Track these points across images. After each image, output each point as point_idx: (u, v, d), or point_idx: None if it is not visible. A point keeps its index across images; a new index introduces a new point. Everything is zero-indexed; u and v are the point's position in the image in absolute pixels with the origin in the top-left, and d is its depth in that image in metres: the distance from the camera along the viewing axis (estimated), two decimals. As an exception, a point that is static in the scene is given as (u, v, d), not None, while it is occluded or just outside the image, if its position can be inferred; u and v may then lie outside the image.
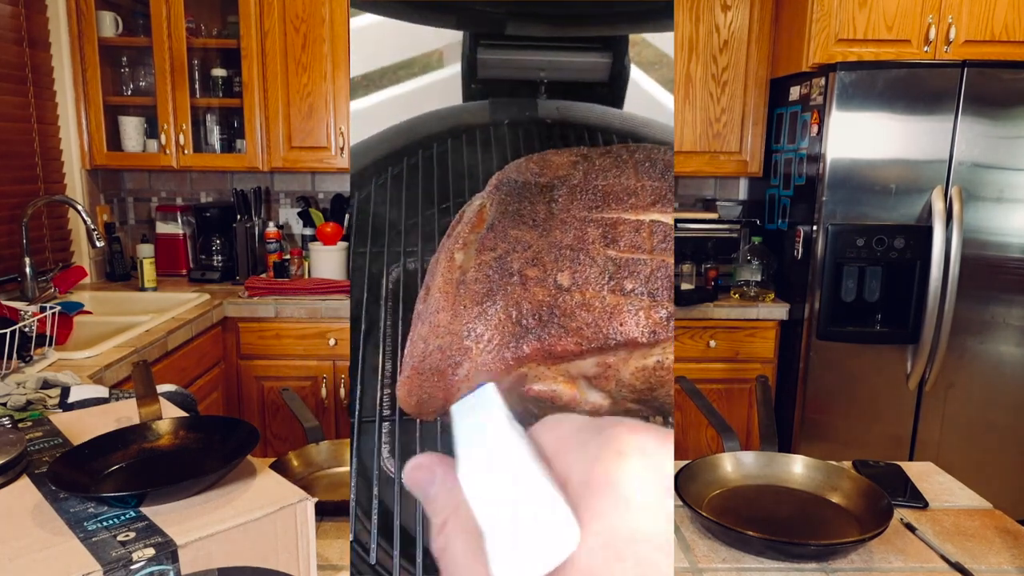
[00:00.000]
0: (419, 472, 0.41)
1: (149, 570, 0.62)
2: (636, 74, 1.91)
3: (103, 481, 0.77)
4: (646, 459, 0.32)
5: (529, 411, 0.91)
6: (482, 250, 0.90)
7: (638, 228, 0.91)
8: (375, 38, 2.04)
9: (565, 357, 0.85)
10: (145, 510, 0.69)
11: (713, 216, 2.79)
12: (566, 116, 1.43)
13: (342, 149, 2.69)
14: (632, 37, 1.71)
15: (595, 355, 0.86)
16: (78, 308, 2.17)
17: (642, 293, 0.86)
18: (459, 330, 0.86)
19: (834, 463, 1.14)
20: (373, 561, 0.91)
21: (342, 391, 2.52)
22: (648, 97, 1.96)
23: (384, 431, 1.03)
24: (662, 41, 2.05)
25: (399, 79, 2.03)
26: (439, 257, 0.93)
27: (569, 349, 0.84)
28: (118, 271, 2.80)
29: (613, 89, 1.50)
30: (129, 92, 2.80)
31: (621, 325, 0.85)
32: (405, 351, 0.91)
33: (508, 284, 0.87)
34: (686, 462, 1.12)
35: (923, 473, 1.24)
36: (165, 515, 0.68)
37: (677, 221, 2.71)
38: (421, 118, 1.41)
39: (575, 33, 1.41)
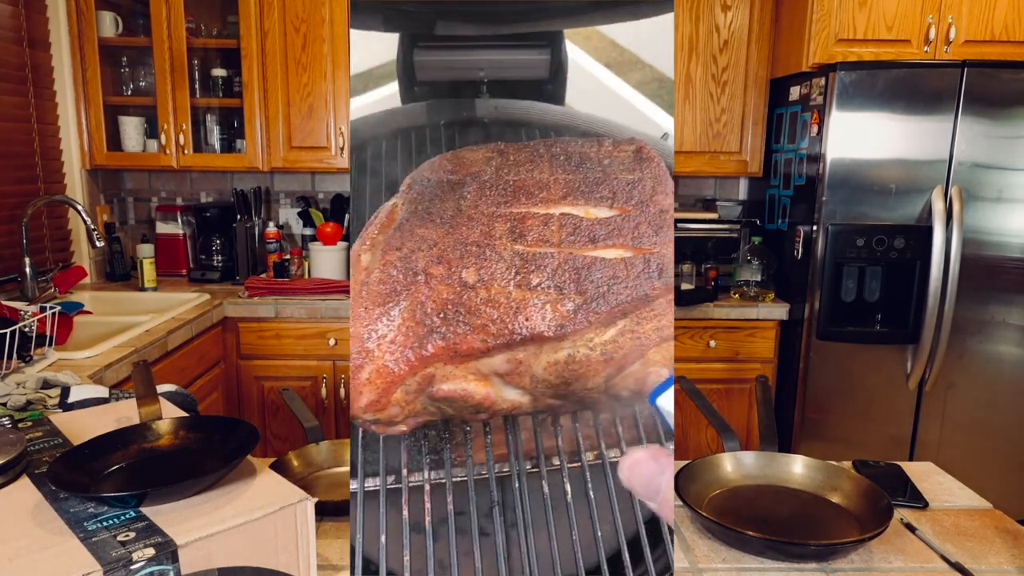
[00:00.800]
0: (643, 467, 0.45)
1: (149, 570, 0.62)
2: (600, 72, 1.88)
3: (103, 481, 0.77)
4: None
5: (444, 412, 0.90)
6: (387, 250, 0.90)
7: (547, 221, 0.91)
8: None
9: (472, 355, 0.85)
10: (145, 510, 0.69)
11: (713, 216, 2.79)
12: (504, 114, 1.43)
13: (342, 149, 2.69)
14: (601, 38, 1.70)
15: (503, 351, 0.86)
16: (78, 308, 2.17)
17: (548, 287, 0.86)
18: (361, 333, 0.85)
19: (834, 463, 1.14)
20: None
21: (342, 391, 2.52)
22: (612, 95, 1.93)
23: None
24: (630, 39, 2.01)
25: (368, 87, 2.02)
26: (350, 260, 0.94)
27: (475, 347, 0.84)
28: (118, 271, 2.80)
29: (554, 85, 1.49)
30: (129, 92, 2.80)
31: (527, 320, 0.85)
32: None
33: (413, 283, 0.87)
34: (686, 462, 1.12)
35: (923, 473, 1.24)
36: (165, 515, 0.68)
37: (677, 221, 2.71)
38: (355, 124, 1.40)
39: (506, 30, 1.40)
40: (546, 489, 0.93)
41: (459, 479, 0.96)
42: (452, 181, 0.97)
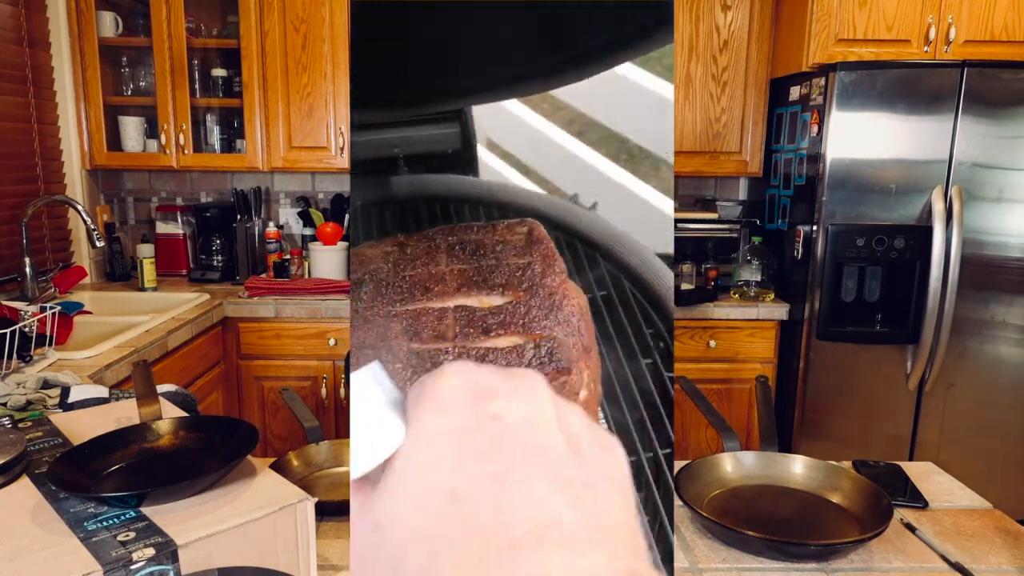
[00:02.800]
0: None
1: (149, 570, 0.62)
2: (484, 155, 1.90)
3: (103, 481, 0.77)
4: (463, 376, 0.38)
5: None
6: None
7: (441, 316, 0.90)
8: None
9: None
10: (145, 510, 0.69)
11: (713, 216, 2.79)
12: (418, 190, 1.43)
13: (342, 149, 2.69)
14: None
15: None
16: (78, 308, 2.17)
17: None
18: None
19: (834, 463, 1.14)
20: None
21: (342, 391, 2.52)
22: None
23: None
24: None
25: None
26: None
27: None
28: (118, 271, 2.80)
29: (465, 157, 1.51)
30: (129, 92, 2.80)
31: None
32: None
33: None
34: (686, 462, 1.12)
35: (923, 473, 1.24)
36: (165, 515, 0.68)
37: (677, 221, 2.71)
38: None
39: (399, 116, 1.39)
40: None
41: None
42: (353, 281, 0.98)
